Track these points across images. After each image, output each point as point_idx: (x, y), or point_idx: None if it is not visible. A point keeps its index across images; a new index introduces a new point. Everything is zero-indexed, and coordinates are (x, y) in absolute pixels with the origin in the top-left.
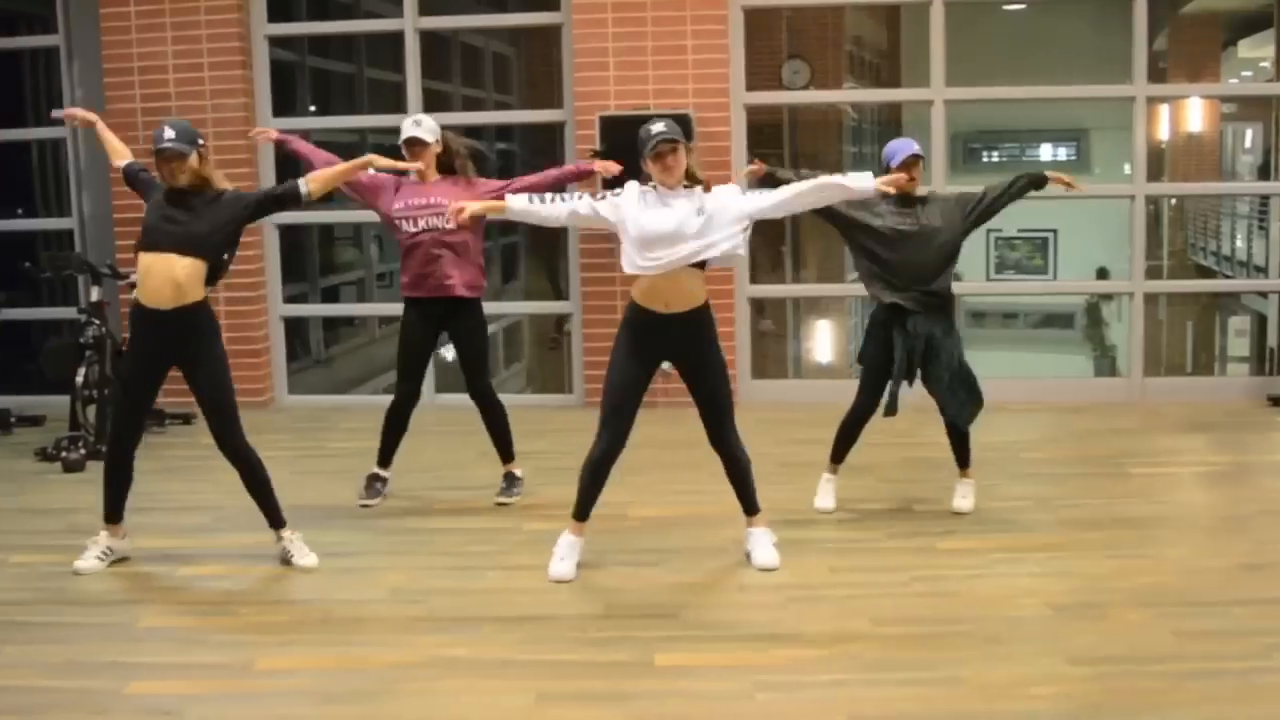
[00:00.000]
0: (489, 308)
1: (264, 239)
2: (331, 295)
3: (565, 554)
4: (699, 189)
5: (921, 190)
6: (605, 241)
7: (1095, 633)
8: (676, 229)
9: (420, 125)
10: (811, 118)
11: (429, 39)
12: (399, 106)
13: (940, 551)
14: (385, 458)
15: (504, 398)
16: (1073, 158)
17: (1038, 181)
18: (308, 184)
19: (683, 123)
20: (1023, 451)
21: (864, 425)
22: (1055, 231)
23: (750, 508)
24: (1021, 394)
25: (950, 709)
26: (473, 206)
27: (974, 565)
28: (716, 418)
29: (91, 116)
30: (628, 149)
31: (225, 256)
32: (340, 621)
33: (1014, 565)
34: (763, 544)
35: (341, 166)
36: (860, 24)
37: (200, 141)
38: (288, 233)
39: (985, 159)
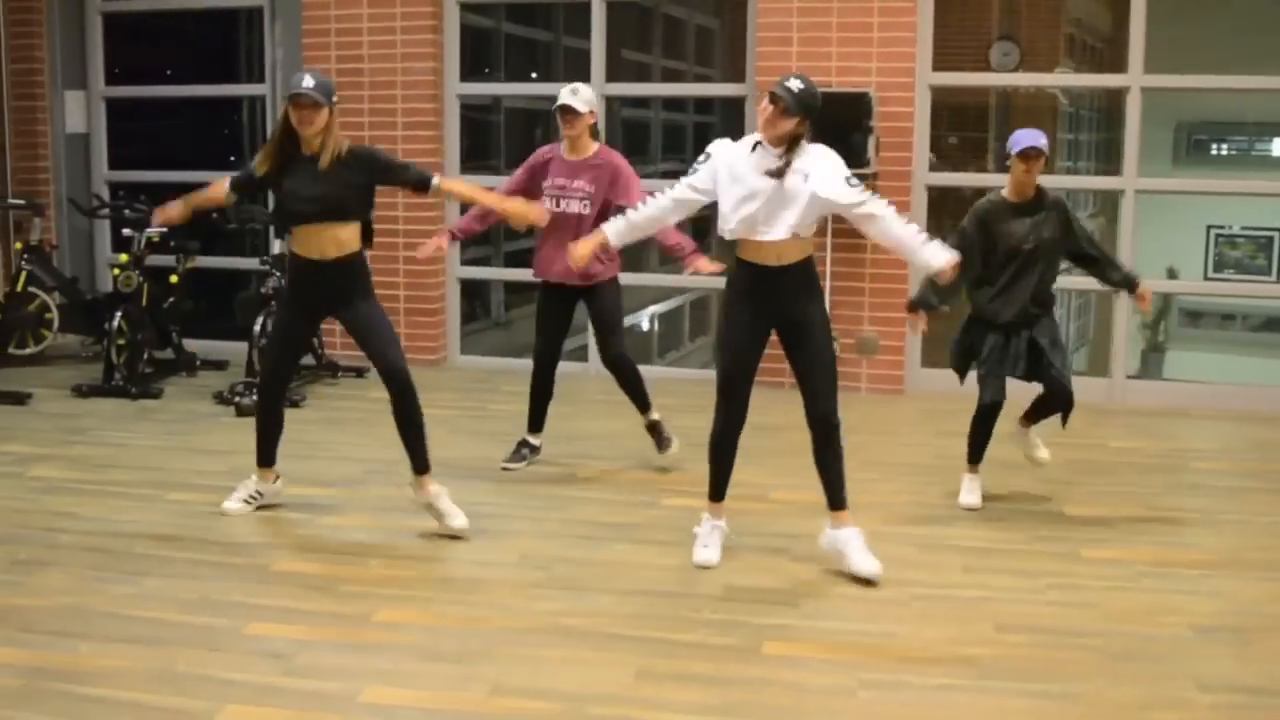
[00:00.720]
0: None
1: (444, 200)
2: (515, 259)
3: (708, 540)
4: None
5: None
6: None
7: (1235, 659)
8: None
9: (576, 94)
10: (1022, 102)
11: (631, 9)
12: (587, 76)
13: (1084, 560)
14: (534, 423)
15: (682, 370)
16: None
17: (1125, 283)
18: (439, 180)
19: (857, 101)
20: (1195, 461)
21: (994, 421)
22: None
23: (838, 500)
24: (1206, 400)
25: None
26: (582, 249)
27: (1118, 577)
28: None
29: (181, 210)
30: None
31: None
32: (462, 581)
33: (1161, 580)
34: (857, 548)
35: (489, 196)
36: (1082, 5)
37: (334, 100)
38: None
39: (1214, 151)
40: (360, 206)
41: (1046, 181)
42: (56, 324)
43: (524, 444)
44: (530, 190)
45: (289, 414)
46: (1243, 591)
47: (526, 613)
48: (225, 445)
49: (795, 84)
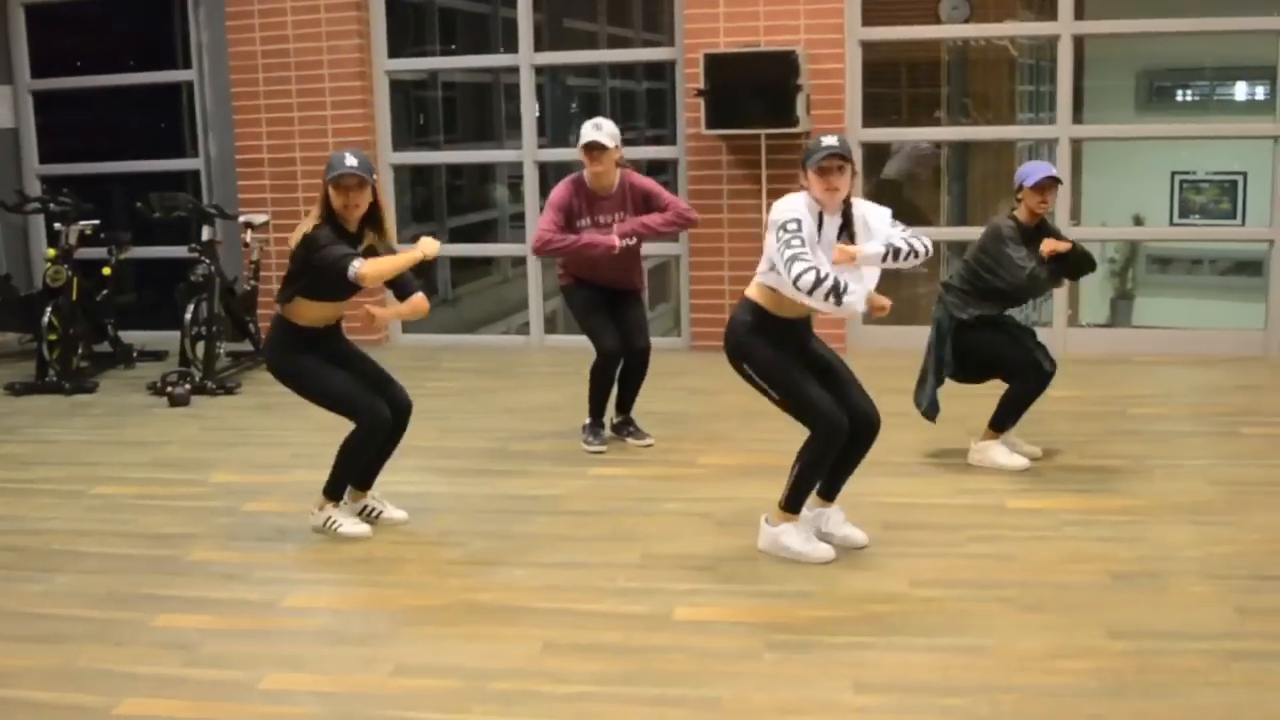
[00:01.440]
0: None
1: (382, 175)
2: (463, 235)
3: (807, 536)
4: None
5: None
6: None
7: (1149, 605)
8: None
9: (600, 130)
10: (977, 56)
11: None
12: (512, 45)
13: (1008, 511)
14: (601, 411)
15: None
16: (1267, 98)
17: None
18: (355, 269)
19: (784, 59)
20: (1132, 407)
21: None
22: (1245, 175)
23: (836, 491)
24: (1153, 345)
25: (966, 679)
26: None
27: (1040, 527)
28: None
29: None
30: (730, 88)
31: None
32: (380, 561)
33: (1084, 529)
34: (840, 521)
35: (400, 259)
36: None
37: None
38: (418, 173)
39: (1178, 98)
40: None
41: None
42: None
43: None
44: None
45: (220, 401)
46: (1164, 536)
47: (437, 590)
48: (155, 436)
49: (832, 138)
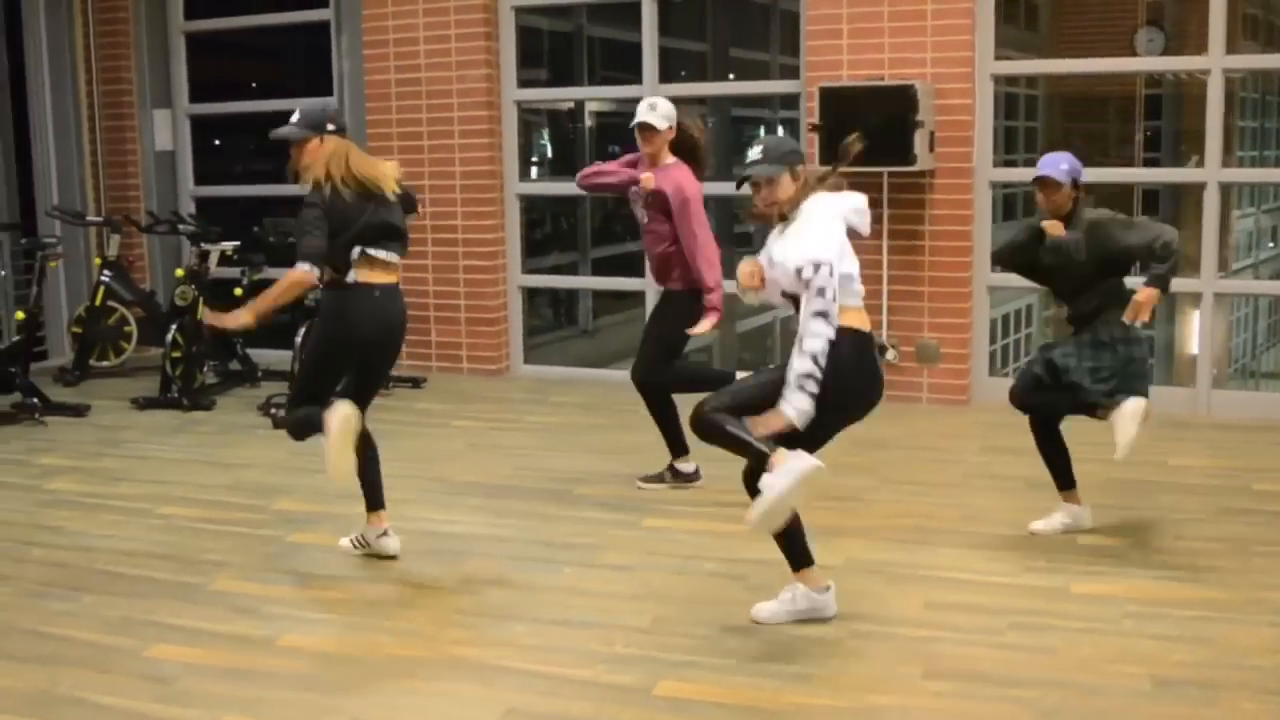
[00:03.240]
0: None
1: (504, 208)
2: (606, 266)
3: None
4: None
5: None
6: None
7: (1183, 719)
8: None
9: (655, 110)
10: (1190, 90)
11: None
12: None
13: (1069, 596)
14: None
15: None
16: None
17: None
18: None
19: (901, 94)
20: (1257, 482)
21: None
22: None
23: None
24: None
25: None
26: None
27: (1097, 617)
28: None
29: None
30: (847, 122)
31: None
32: (389, 605)
33: (1146, 622)
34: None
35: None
36: None
37: (329, 128)
38: (552, 203)
39: None
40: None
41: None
42: (135, 337)
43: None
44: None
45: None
46: (1235, 638)
47: (431, 641)
48: (243, 459)
49: (755, 151)
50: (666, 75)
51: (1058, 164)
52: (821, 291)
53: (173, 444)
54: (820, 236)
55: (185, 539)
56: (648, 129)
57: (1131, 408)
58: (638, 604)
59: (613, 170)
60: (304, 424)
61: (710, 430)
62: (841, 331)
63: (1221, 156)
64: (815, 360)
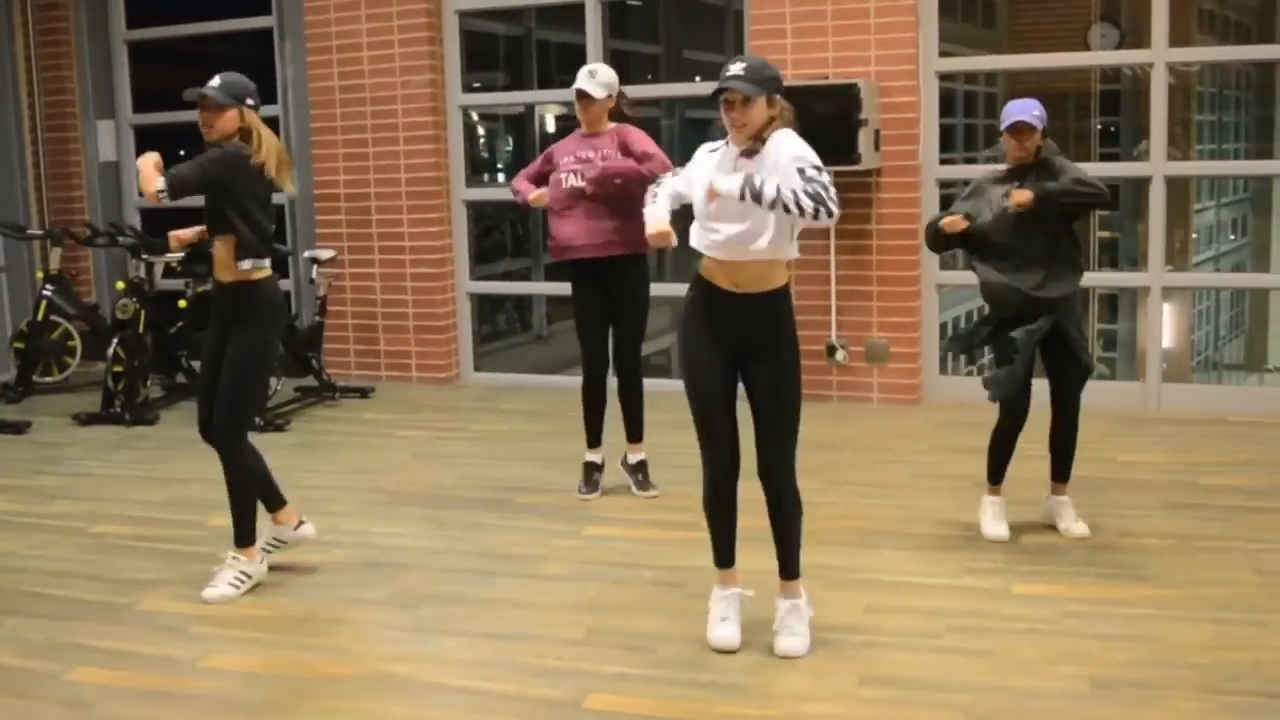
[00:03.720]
0: None
1: (452, 214)
2: (558, 272)
3: (725, 612)
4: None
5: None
6: None
7: None
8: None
9: (594, 77)
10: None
11: (701, 9)
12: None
13: (1010, 597)
14: (593, 438)
15: None
16: None
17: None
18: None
19: (844, 92)
20: (1205, 476)
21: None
22: None
23: (791, 568)
24: (1261, 405)
25: None
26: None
27: (1037, 618)
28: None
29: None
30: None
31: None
32: (319, 622)
33: (1088, 622)
34: (794, 625)
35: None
36: None
37: (249, 102)
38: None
39: None
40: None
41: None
42: (79, 351)
43: (590, 467)
44: (546, 176)
45: (265, 439)
46: (1176, 636)
47: (359, 658)
48: (183, 474)
49: (736, 65)
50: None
51: (1030, 109)
52: (826, 187)
53: (113, 460)
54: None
55: (116, 558)
56: (584, 97)
57: None
58: (573, 615)
59: (523, 188)
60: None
61: None
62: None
63: (1168, 150)
64: (798, 205)
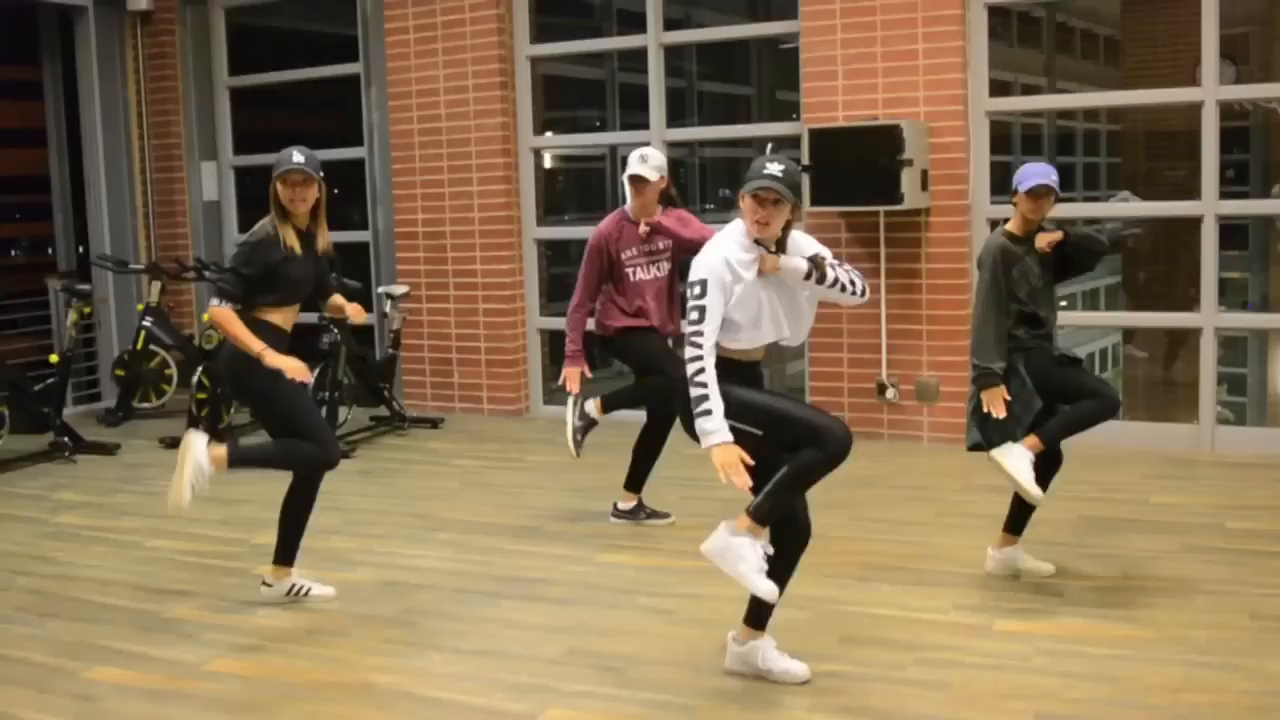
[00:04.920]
0: None
1: (523, 252)
2: None
3: (762, 566)
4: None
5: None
6: None
7: None
8: None
9: (646, 162)
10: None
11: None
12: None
13: (989, 634)
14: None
15: None
16: None
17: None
18: (216, 308)
19: (888, 133)
20: (1233, 520)
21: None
22: None
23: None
24: None
25: None
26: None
27: (1007, 655)
28: None
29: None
30: (835, 164)
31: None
32: (323, 634)
33: (1057, 659)
34: (774, 657)
35: (247, 338)
36: None
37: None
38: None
39: None
40: None
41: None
42: (176, 379)
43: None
44: (608, 272)
45: None
46: (1142, 676)
47: (349, 667)
48: (244, 495)
49: (777, 167)
50: (714, 118)
51: (1049, 174)
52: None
53: None
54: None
55: (161, 570)
56: (640, 181)
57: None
58: (558, 636)
59: (574, 336)
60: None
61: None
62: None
63: (1219, 188)
64: (851, 283)
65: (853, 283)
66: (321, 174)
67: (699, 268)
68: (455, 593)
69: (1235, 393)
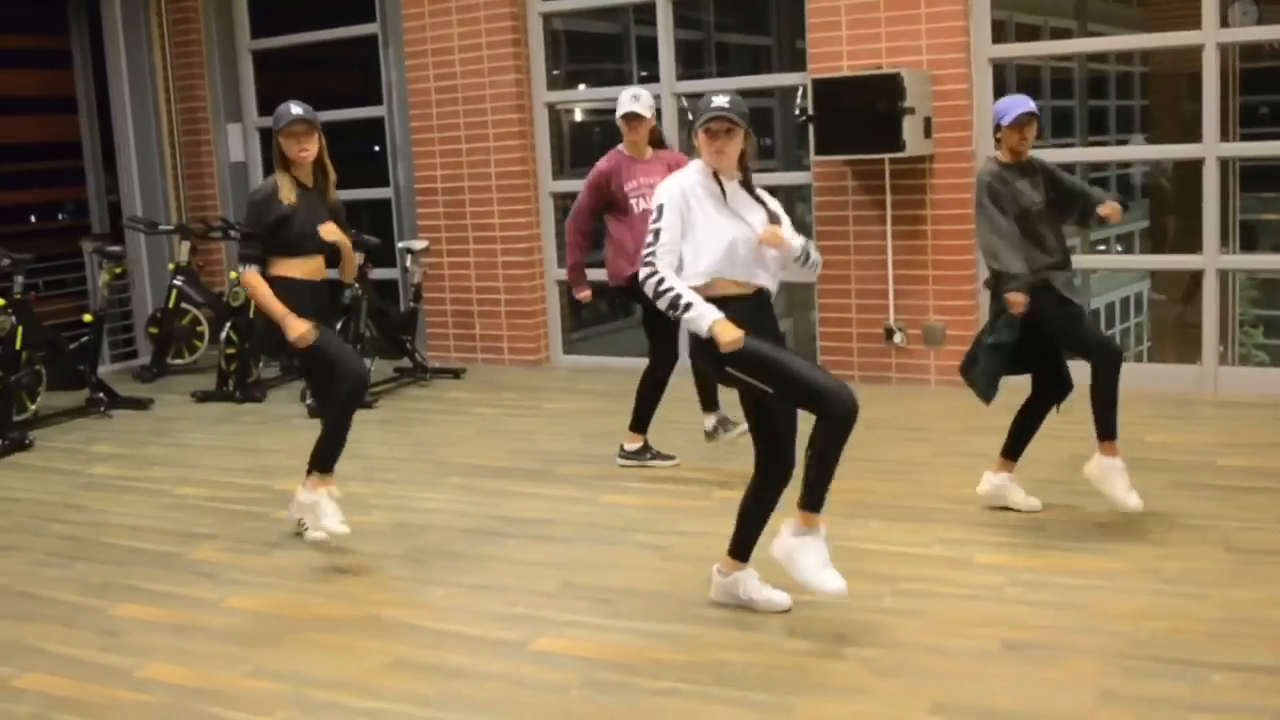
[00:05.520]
0: None
1: (540, 206)
2: None
3: (823, 561)
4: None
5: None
6: (841, 210)
7: (1008, 679)
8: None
9: (639, 100)
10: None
11: None
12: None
13: (967, 565)
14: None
15: None
16: None
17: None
18: (246, 273)
19: (888, 81)
20: (1223, 458)
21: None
22: None
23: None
24: None
25: None
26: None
27: (981, 585)
28: None
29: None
30: (836, 114)
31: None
32: (335, 572)
33: (1030, 590)
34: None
35: (273, 305)
36: None
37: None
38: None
39: None
40: None
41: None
42: (207, 336)
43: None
44: (605, 204)
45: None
46: (1108, 605)
47: (355, 602)
48: (272, 445)
49: (723, 99)
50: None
51: (1027, 103)
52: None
53: (215, 433)
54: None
55: (187, 515)
56: (635, 118)
57: None
58: (555, 571)
59: (576, 254)
60: None
61: None
62: None
63: (1220, 131)
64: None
65: (816, 263)
66: (320, 124)
67: (659, 194)
68: (462, 533)
69: (1272, 334)
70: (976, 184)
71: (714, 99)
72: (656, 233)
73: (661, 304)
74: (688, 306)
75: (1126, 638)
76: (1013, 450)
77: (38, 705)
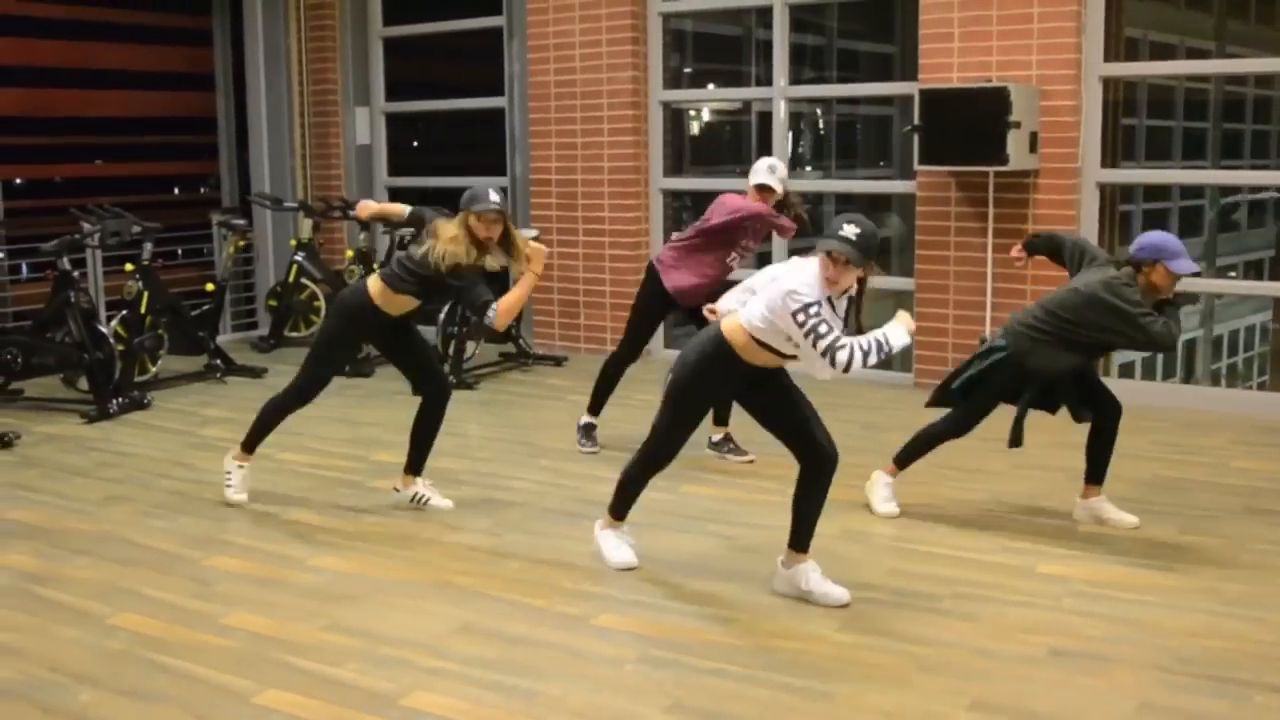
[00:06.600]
0: None
1: (649, 201)
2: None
3: (618, 544)
4: None
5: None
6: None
7: (1050, 684)
8: None
9: (774, 173)
10: None
11: None
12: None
13: (1030, 574)
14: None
15: None
16: None
17: None
18: (497, 311)
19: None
20: None
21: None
22: None
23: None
24: None
25: None
26: None
27: (1039, 594)
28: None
29: (374, 209)
30: (943, 125)
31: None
32: (417, 540)
33: (1086, 601)
34: (818, 580)
35: (522, 291)
36: None
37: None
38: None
39: None
40: None
41: None
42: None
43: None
44: (721, 242)
45: (457, 395)
46: (1162, 621)
47: (433, 568)
48: (373, 419)
49: (852, 230)
50: (859, 76)
51: (1194, 264)
52: None
53: (320, 404)
54: None
55: (285, 479)
56: (767, 190)
57: None
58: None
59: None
60: None
61: None
62: None
63: None
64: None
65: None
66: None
67: (806, 292)
68: (543, 511)
69: None
70: (1106, 290)
71: (844, 226)
72: (819, 331)
73: (872, 363)
74: (880, 345)
75: (1173, 653)
76: (1094, 475)
77: (128, 642)
